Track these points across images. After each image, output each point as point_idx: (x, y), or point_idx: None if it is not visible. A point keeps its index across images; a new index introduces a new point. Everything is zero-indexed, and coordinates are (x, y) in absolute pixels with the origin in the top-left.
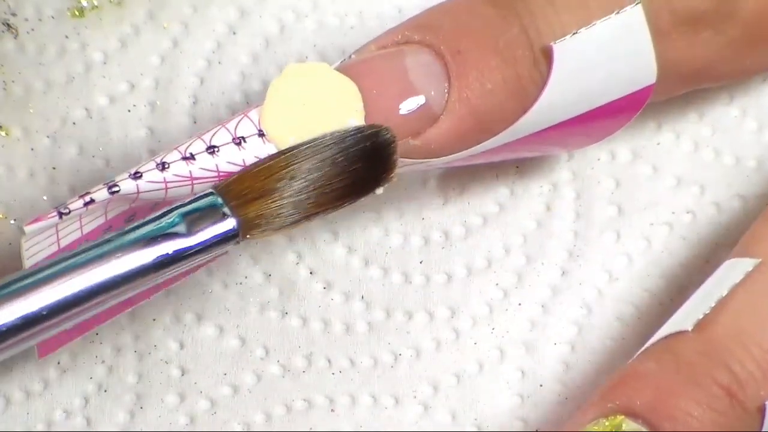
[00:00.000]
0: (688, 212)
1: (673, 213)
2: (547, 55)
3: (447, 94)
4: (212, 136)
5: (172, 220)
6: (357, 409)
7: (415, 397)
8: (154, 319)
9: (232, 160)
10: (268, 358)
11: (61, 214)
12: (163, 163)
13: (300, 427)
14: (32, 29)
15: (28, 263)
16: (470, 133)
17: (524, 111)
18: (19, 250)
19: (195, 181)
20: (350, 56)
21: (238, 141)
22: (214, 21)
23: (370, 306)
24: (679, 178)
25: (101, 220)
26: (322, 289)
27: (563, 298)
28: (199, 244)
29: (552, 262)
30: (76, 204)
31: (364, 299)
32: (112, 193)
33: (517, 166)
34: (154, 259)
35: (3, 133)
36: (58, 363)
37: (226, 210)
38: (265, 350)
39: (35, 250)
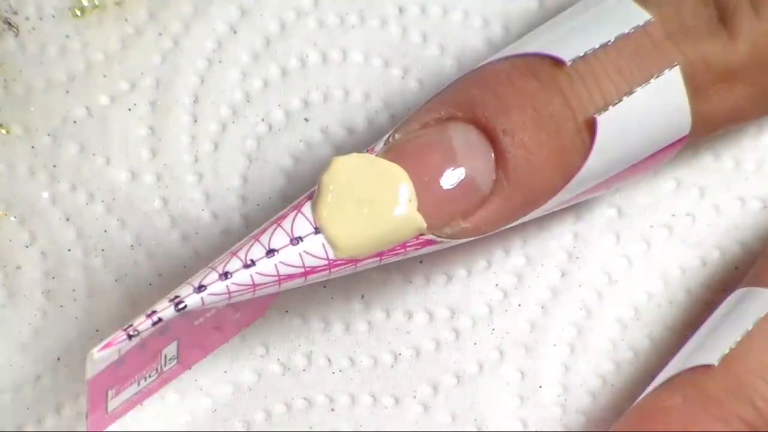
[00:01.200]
0: (687, 215)
1: (672, 215)
2: (590, 126)
3: (494, 173)
4: (270, 238)
5: None
6: (357, 409)
7: (414, 397)
8: None
9: (292, 263)
10: (268, 356)
11: (130, 337)
12: (226, 273)
13: (300, 426)
14: (33, 28)
15: (90, 374)
16: (518, 210)
17: (567, 181)
18: (86, 364)
19: (257, 288)
20: (393, 135)
21: (296, 242)
22: (215, 20)
23: (370, 305)
24: (678, 181)
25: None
26: (323, 288)
27: (563, 300)
28: None
29: (552, 264)
30: (144, 325)
31: (364, 299)
32: (180, 310)
33: None
34: None
35: (4, 131)
36: (58, 359)
37: None
38: (265, 348)
39: (100, 363)
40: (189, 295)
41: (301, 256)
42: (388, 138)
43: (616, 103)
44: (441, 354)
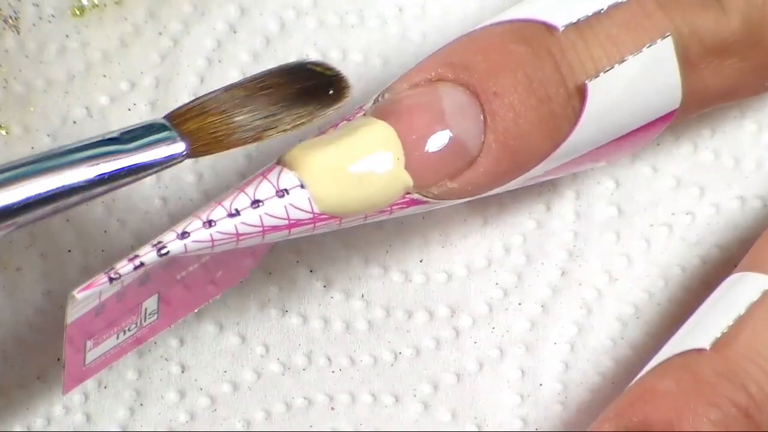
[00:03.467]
0: (687, 213)
1: (672, 214)
2: (580, 92)
3: (483, 135)
4: (256, 189)
5: (111, 136)
6: (357, 408)
7: (415, 395)
8: None
9: (277, 214)
10: (268, 355)
11: (111, 280)
12: (210, 221)
13: (300, 425)
14: (33, 27)
15: (69, 320)
16: (506, 173)
17: (556, 146)
18: (66, 307)
19: (240, 238)
20: (383, 95)
21: (282, 194)
22: (215, 19)
23: (370, 304)
24: (678, 179)
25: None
26: (322, 287)
27: (563, 298)
28: (134, 146)
29: (552, 262)
30: (126, 269)
31: (364, 297)
32: (162, 255)
33: None
34: (87, 157)
35: (3, 132)
36: (58, 360)
37: (166, 125)
38: (265, 348)
39: (79, 308)
40: (172, 240)
41: (286, 208)
42: (378, 98)
43: (607, 71)
44: (441, 352)
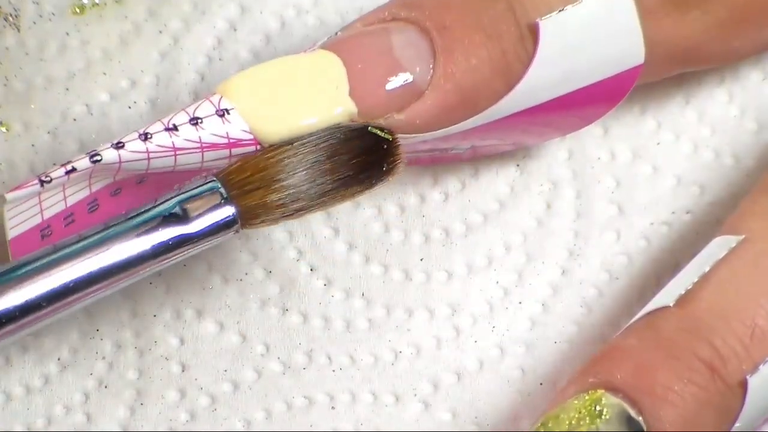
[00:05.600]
0: (687, 212)
1: (672, 213)
2: (533, 32)
3: (432, 70)
4: (196, 109)
5: (170, 205)
6: (357, 407)
7: (415, 394)
8: (154, 315)
9: (216, 132)
10: (269, 354)
11: (42, 182)
12: (146, 134)
13: (300, 425)
14: (33, 25)
15: (11, 233)
16: (455, 109)
17: (510, 88)
18: (2, 219)
19: (178, 152)
20: (336, 33)
21: (222, 113)
22: (215, 17)
23: (370, 303)
24: (678, 178)
25: (86, 192)
26: (323, 286)
27: (563, 297)
28: (198, 231)
29: (552, 261)
30: (58, 173)
31: (365, 296)
32: (94, 162)
33: (518, 164)
34: (153, 247)
35: (4, 129)
36: (59, 359)
37: (226, 196)
38: (265, 347)
39: (19, 220)
40: (106, 148)
41: (226, 128)
42: (331, 36)
43: (560, 11)
44: (441, 351)
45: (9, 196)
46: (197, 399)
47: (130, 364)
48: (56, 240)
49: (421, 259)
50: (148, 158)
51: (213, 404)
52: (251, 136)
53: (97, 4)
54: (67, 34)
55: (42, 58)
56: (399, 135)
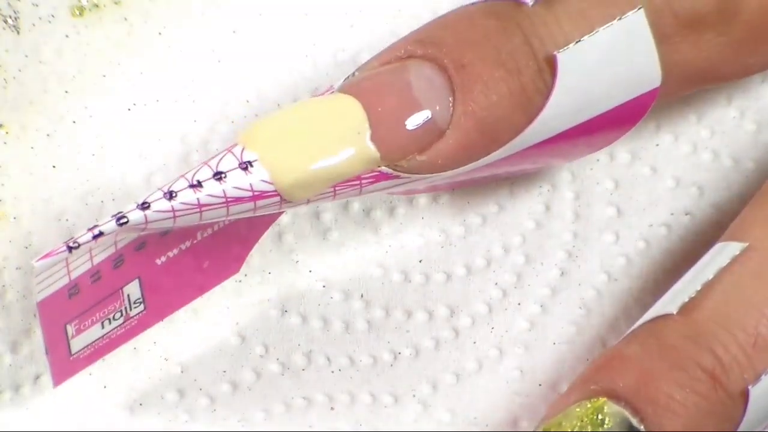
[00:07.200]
0: (686, 214)
1: (671, 214)
2: (551, 65)
3: (452, 108)
4: (219, 162)
5: None
6: (356, 408)
7: (414, 395)
8: None
9: (240, 185)
10: (268, 355)
11: (70, 248)
12: (171, 192)
13: (299, 425)
14: (32, 27)
15: (39, 296)
16: (477, 146)
17: (529, 121)
18: (32, 284)
19: (203, 209)
20: (354, 74)
21: (245, 166)
22: (214, 19)
23: (369, 304)
24: (677, 180)
25: (111, 250)
26: (322, 288)
27: (562, 299)
28: None
29: (551, 263)
30: (85, 237)
31: (364, 298)
32: (121, 224)
33: None
34: None
35: (3, 131)
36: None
37: None
38: (264, 348)
39: (47, 283)
40: (132, 210)
41: (249, 180)
42: (349, 77)
43: (577, 42)
44: (440, 352)
45: (38, 264)
46: (196, 399)
47: (129, 363)
48: (83, 299)
49: (420, 261)
50: (174, 217)
51: (212, 405)
52: (272, 187)
53: (97, 6)
54: (67, 36)
55: (41, 60)
56: (419, 175)
